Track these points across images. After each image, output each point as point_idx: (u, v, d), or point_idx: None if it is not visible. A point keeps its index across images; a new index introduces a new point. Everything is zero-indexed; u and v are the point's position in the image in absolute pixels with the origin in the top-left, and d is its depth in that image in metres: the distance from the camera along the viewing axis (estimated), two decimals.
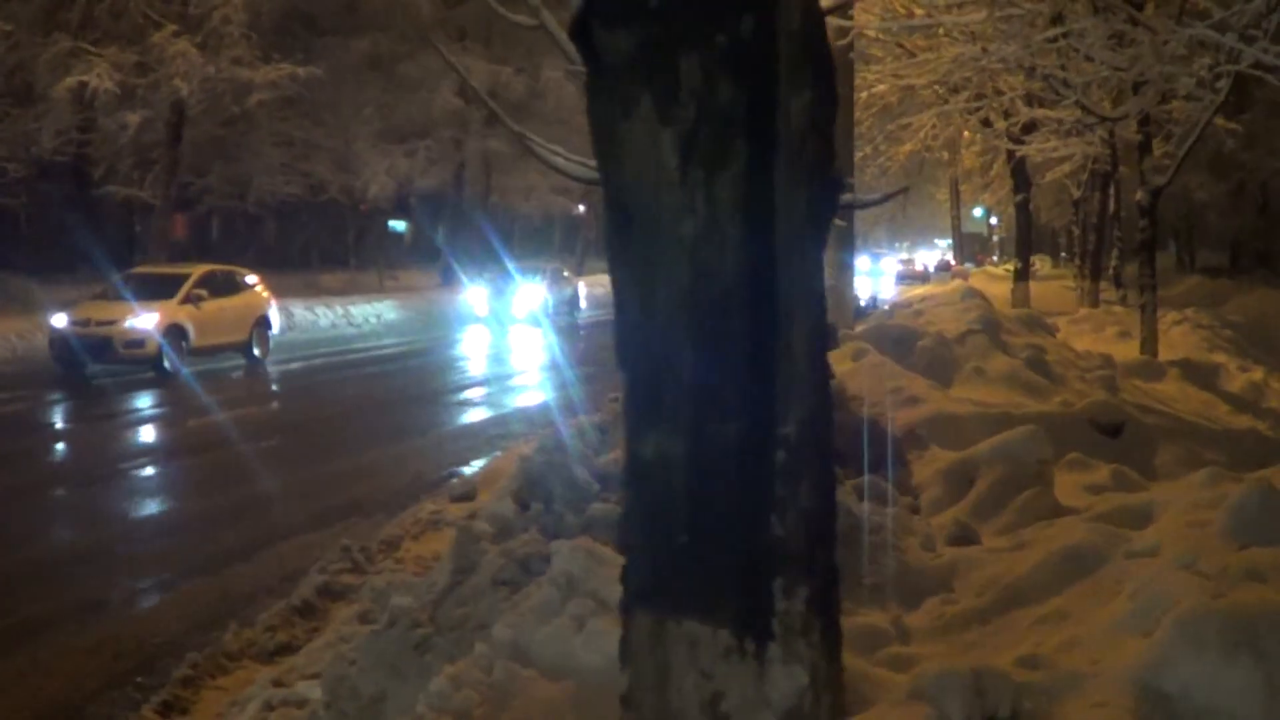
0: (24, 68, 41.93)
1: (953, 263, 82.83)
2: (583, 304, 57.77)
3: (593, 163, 8.91)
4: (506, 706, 5.37)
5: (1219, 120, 24.41)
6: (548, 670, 5.54)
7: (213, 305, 31.76)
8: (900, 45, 29.40)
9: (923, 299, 49.43)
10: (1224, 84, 17.53)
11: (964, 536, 8.94)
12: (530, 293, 51.35)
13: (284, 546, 13.13)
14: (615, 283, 3.66)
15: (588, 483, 8.04)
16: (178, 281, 31.72)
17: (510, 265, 52.06)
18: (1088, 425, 13.70)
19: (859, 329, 21.90)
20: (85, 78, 39.92)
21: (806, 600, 3.58)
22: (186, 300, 30.95)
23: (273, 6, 44.99)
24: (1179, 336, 25.80)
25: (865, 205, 23.87)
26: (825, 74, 3.56)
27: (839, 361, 14.33)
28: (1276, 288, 47.51)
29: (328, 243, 65.44)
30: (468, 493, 14.56)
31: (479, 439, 20.40)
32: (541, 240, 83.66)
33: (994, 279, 65.00)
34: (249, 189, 53.06)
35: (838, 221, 20.82)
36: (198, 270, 33.37)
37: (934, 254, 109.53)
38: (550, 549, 6.83)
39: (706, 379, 3.48)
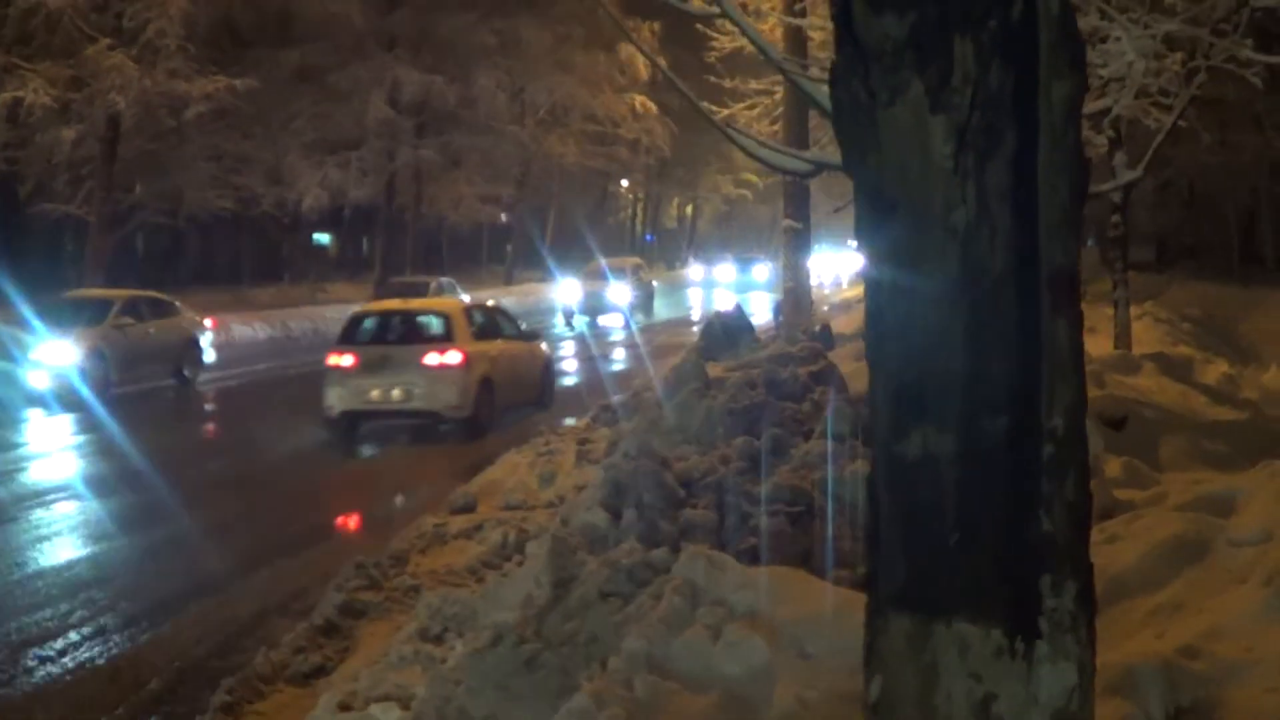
0: None
1: None
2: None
3: (798, 152, 8.81)
4: None
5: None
6: (689, 682, 5.41)
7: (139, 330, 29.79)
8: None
9: (859, 300, 49.58)
10: (1200, 78, 17.58)
11: None
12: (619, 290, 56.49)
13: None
14: (871, 276, 3.56)
15: (675, 487, 7.91)
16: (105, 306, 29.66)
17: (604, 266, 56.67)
18: (1093, 419, 13.71)
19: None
20: (20, 93, 39.40)
21: (1075, 596, 3.49)
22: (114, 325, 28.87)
23: (204, 19, 44.56)
24: (1142, 331, 25.89)
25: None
26: (1081, 61, 3.47)
27: (843, 362, 14.27)
28: (1205, 281, 47.96)
29: (255, 258, 64.91)
30: (468, 505, 14.39)
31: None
32: (469, 249, 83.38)
33: None
34: (180, 204, 52.48)
35: (794, 224, 20.76)
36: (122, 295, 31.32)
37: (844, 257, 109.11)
38: (653, 558, 6.70)
39: (978, 372, 3.38)
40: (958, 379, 3.37)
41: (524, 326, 27.25)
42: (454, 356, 21.65)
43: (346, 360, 21.76)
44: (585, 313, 51.99)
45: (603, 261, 57.02)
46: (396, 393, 21.46)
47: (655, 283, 67.23)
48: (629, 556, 6.68)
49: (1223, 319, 34.06)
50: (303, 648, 9.92)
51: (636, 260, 62.70)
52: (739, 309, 25.47)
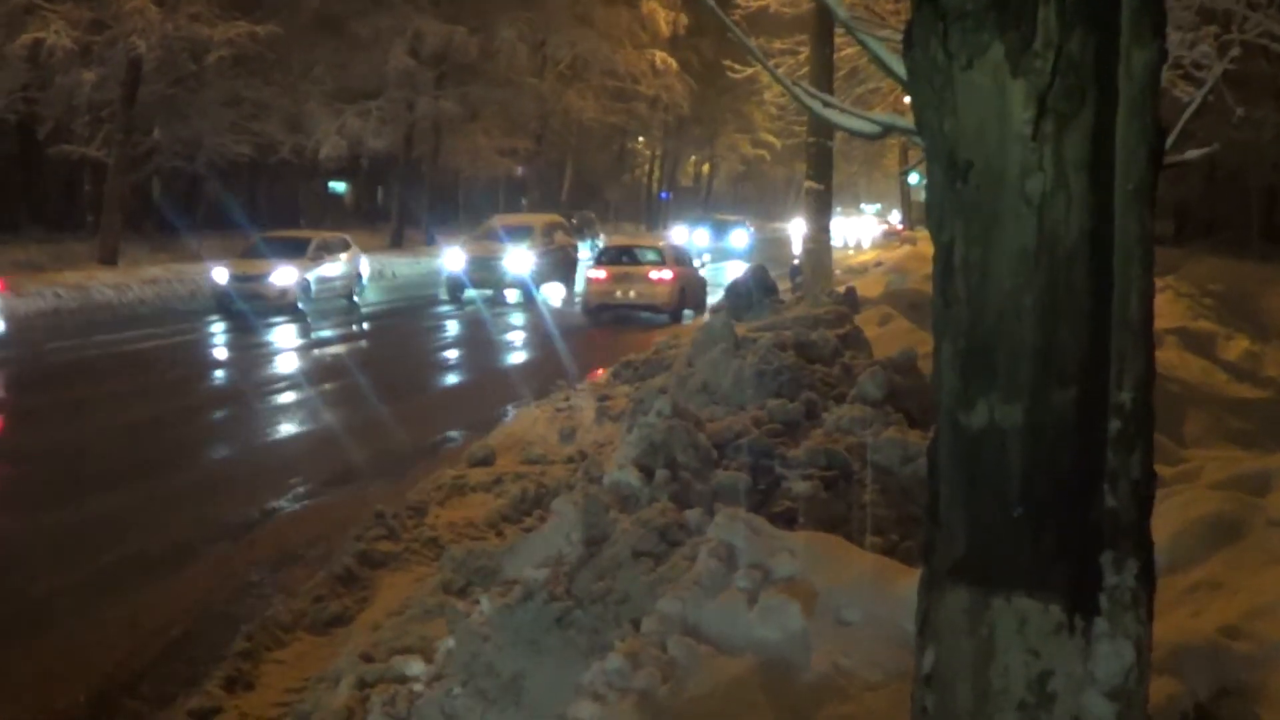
0: None
1: (901, 229, 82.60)
2: None
3: (866, 113, 8.74)
4: (688, 684, 5.19)
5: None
6: (724, 646, 5.36)
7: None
8: (868, 9, 29.29)
9: (875, 264, 49.49)
10: (1233, 52, 17.48)
11: None
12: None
13: None
14: (942, 240, 3.49)
15: (708, 448, 7.86)
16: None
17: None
18: None
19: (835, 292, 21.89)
20: (41, 34, 39.28)
21: (1136, 574, 3.44)
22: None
23: None
24: (1163, 304, 25.66)
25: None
26: (1162, 29, 3.40)
27: (866, 326, 14.21)
28: (1223, 256, 47.72)
29: (271, 205, 64.81)
30: (486, 458, 14.34)
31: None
32: (485, 202, 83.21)
33: None
34: (198, 149, 52.38)
35: (815, 186, 20.69)
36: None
37: (861, 220, 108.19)
38: (687, 518, 6.66)
39: (1048, 342, 3.33)
40: (1027, 349, 3.32)
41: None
42: (667, 274, 34.49)
43: (601, 274, 35.09)
44: (475, 285, 41.88)
45: (498, 222, 47.58)
46: (632, 294, 34.17)
47: (594, 244, 56.11)
48: (662, 516, 6.63)
49: (1243, 295, 33.87)
50: (321, 596, 9.88)
51: (552, 219, 50.37)
52: (762, 269, 25.51)
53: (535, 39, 64.12)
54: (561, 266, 45.56)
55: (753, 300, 22.53)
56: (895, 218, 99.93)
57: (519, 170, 76.82)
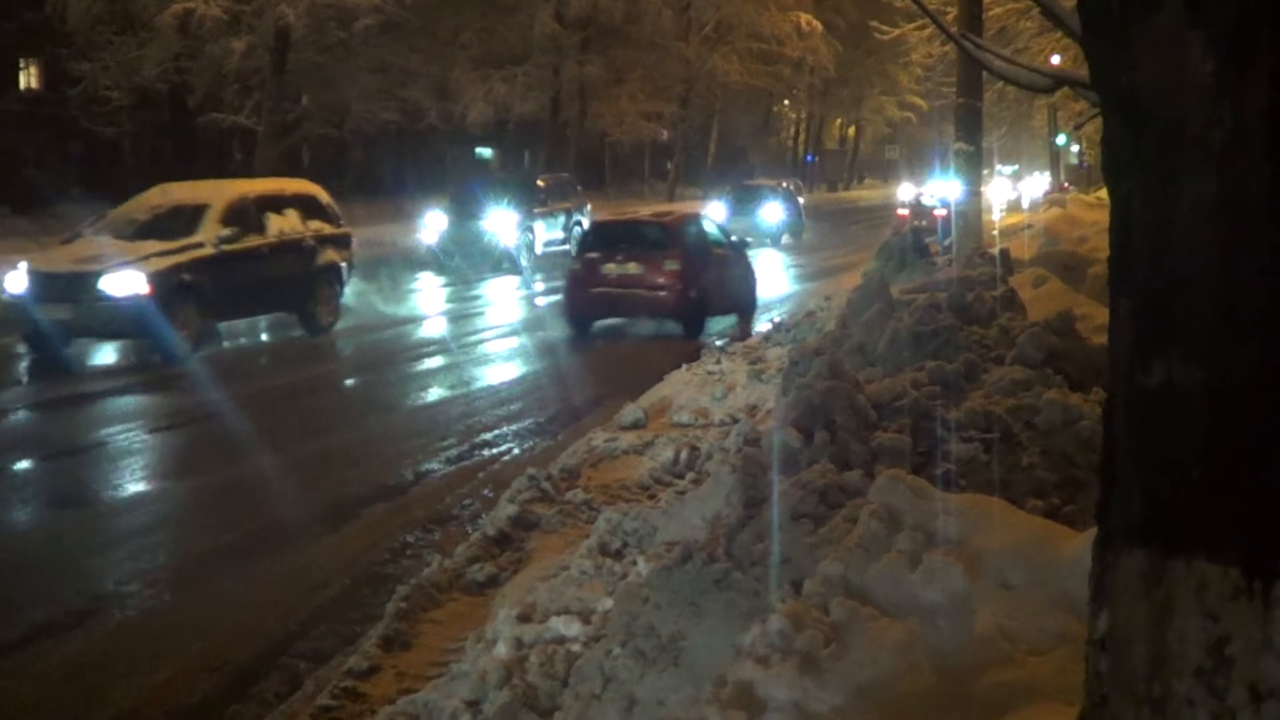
0: None
1: (1065, 186, 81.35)
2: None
3: (1039, 67, 8.66)
4: (851, 646, 5.15)
5: None
6: (887, 608, 5.32)
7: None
8: None
9: (1025, 227, 48.87)
10: None
11: None
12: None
13: None
14: (1119, 195, 3.43)
15: (867, 410, 7.80)
16: None
17: None
18: None
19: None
20: (190, 4, 39.93)
21: None
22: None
23: None
24: None
25: None
26: None
27: (1020, 288, 14.01)
28: None
29: (419, 171, 65.33)
30: (637, 421, 14.37)
31: None
32: (631, 166, 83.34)
33: (1090, 207, 64.17)
34: (346, 116, 52.99)
35: (965, 147, 20.45)
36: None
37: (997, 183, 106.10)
38: (846, 480, 6.62)
39: (1229, 299, 3.24)
40: (1207, 306, 3.24)
41: None
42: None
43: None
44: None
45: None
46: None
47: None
48: (822, 478, 6.58)
49: None
50: (476, 557, 9.94)
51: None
52: (914, 231, 25.31)
53: (680, 3, 64.06)
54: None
55: (905, 261, 22.38)
56: (1034, 181, 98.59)
57: (664, 134, 76.90)
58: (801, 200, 62.14)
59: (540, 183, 42.97)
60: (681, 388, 16.26)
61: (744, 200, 54.27)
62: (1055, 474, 7.61)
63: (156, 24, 41.59)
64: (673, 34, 63.88)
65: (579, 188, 45.17)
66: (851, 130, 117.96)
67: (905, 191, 75.53)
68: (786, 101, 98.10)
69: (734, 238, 28.80)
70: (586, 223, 41.56)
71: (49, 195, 43.79)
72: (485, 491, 12.42)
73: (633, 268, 24.60)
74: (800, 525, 6.32)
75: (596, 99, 63.87)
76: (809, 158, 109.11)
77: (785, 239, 53.53)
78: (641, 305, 24.85)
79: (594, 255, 25.26)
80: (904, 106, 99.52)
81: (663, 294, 24.39)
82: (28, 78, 53.85)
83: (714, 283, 24.97)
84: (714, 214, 43.13)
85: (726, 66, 69.47)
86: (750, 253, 29.69)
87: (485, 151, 78.25)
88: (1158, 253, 3.30)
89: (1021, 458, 7.73)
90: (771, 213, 53.71)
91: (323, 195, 27.33)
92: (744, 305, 26.31)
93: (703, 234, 26.59)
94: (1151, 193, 3.30)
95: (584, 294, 24.72)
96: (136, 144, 54.49)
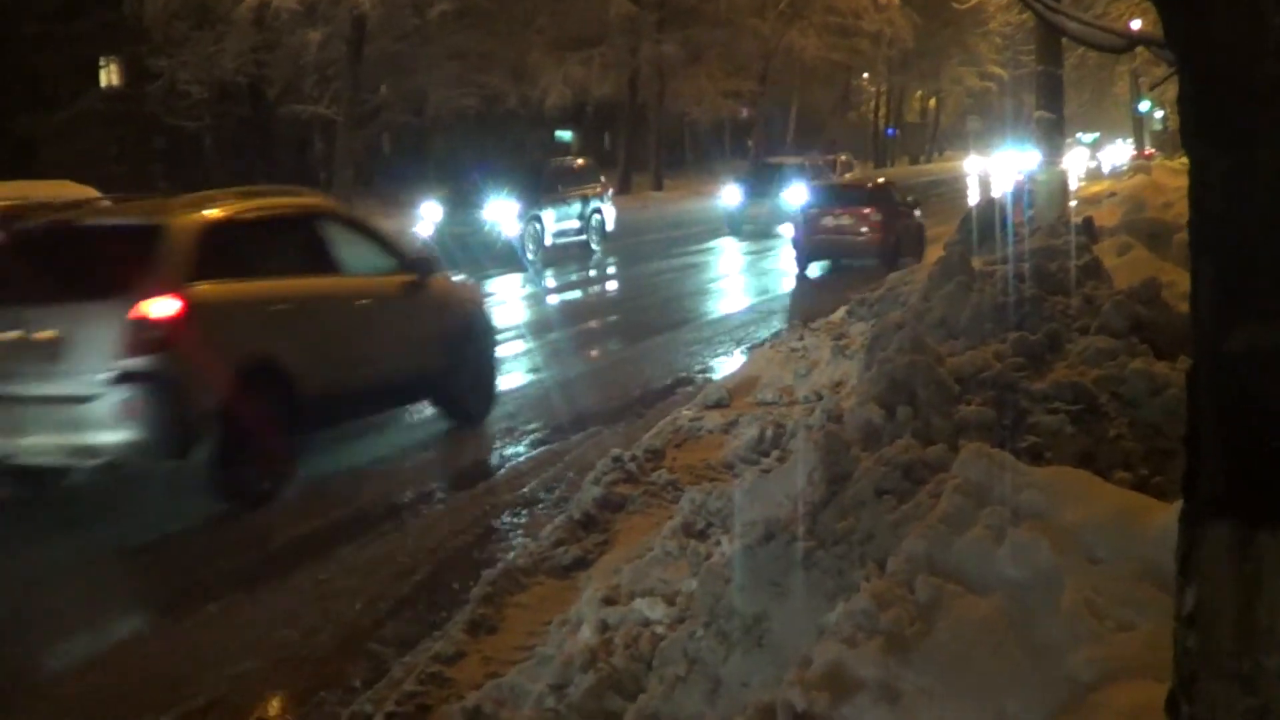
0: None
1: (1149, 154, 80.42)
2: None
3: (1111, 26, 8.56)
4: (936, 624, 5.09)
5: None
6: (971, 584, 5.25)
7: None
8: None
9: (1109, 195, 48.27)
10: None
11: None
12: None
13: None
14: (1196, 157, 3.35)
15: (950, 383, 7.72)
16: None
17: None
18: None
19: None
20: None
21: None
22: None
23: None
24: None
25: None
26: None
27: (1104, 256, 13.85)
28: None
29: (499, 156, 65.54)
30: (721, 400, 14.31)
31: None
32: (711, 145, 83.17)
33: (1175, 173, 63.44)
34: (425, 103, 53.18)
35: (1047, 115, 20.18)
36: None
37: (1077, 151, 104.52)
38: (930, 455, 6.54)
39: None
40: None
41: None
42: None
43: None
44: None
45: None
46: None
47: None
48: (905, 453, 6.50)
49: None
50: (562, 540, 9.93)
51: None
52: (994, 201, 25.09)
53: None
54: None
55: (987, 233, 22.19)
56: (1114, 149, 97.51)
57: (744, 112, 76.73)
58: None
59: (557, 166, 40.48)
60: (765, 365, 16.19)
61: (763, 181, 47.64)
62: (1142, 445, 7.50)
63: (233, 18, 41.95)
64: (748, 10, 63.67)
65: (601, 176, 42.20)
66: (932, 102, 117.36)
67: (972, 164, 74.85)
68: (866, 75, 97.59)
69: (910, 198, 35.86)
70: (608, 210, 40.60)
71: (130, 192, 44.36)
72: (570, 474, 12.39)
73: (846, 219, 32.01)
74: (883, 502, 6.26)
75: (674, 78, 63.79)
76: (889, 131, 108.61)
77: None
78: (852, 248, 32.12)
79: (815, 211, 32.48)
80: (984, 77, 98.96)
81: (868, 239, 31.84)
82: (108, 75, 54.46)
83: (902, 231, 32.75)
84: (728, 198, 47.02)
85: (803, 42, 69.25)
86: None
87: (565, 135, 78.38)
88: (1236, 214, 3.23)
89: (1108, 429, 7.62)
90: (796, 195, 41.88)
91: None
92: (919, 251, 32.31)
93: (892, 196, 34.03)
94: (1228, 153, 3.22)
95: (808, 240, 31.79)
96: (218, 137, 54.92)
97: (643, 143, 65.73)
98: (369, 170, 52.93)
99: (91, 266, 12.08)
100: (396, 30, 46.20)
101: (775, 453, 11.60)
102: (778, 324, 22.25)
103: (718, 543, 8.20)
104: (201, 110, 48.10)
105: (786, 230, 37.11)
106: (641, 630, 7.13)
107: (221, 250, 12.21)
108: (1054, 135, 26.18)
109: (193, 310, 11.54)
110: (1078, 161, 73.85)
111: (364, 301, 13.63)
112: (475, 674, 7.61)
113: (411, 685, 7.48)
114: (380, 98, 51.37)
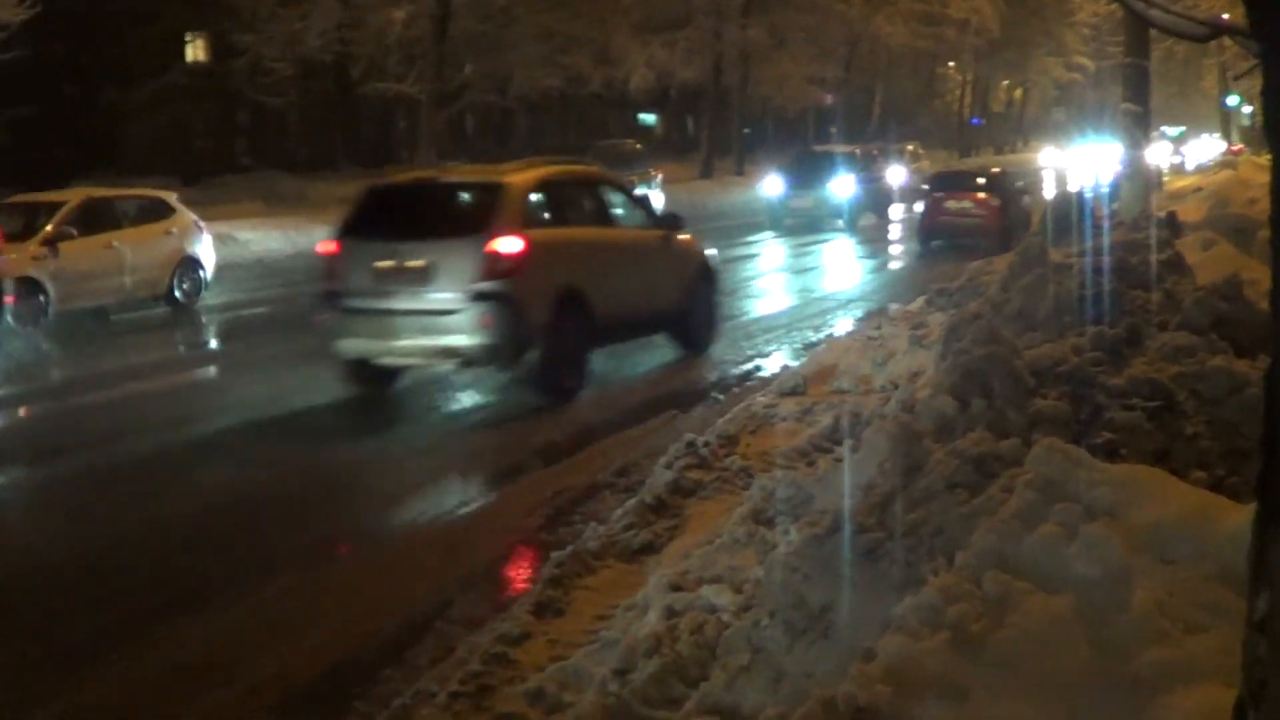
0: None
1: (1236, 150, 79.40)
2: None
3: (1191, 13, 8.47)
4: (1004, 621, 5.03)
5: None
6: (1040, 582, 5.18)
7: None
8: None
9: (1195, 190, 47.73)
10: None
11: None
12: None
13: None
14: (1279, 149, 3.28)
15: (1025, 376, 7.63)
16: None
17: None
18: None
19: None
20: None
21: None
22: None
23: None
24: None
25: None
26: None
27: (1187, 251, 13.69)
28: None
29: (582, 137, 65.53)
30: (797, 387, 14.24)
31: None
32: (793, 130, 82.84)
33: (1262, 169, 62.68)
34: (509, 84, 53.25)
35: (1133, 108, 19.96)
36: None
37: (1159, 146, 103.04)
38: (1002, 449, 6.46)
39: None
40: None
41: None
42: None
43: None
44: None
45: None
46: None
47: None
48: (977, 447, 6.43)
49: None
50: (632, 524, 9.89)
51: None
52: (1078, 194, 24.89)
53: None
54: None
55: (1069, 225, 21.99)
56: (1200, 144, 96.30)
57: (828, 98, 76.39)
58: (904, 173, 51.22)
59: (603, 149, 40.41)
60: (842, 353, 16.09)
61: (808, 170, 43.21)
62: (1220, 444, 7.38)
63: None
64: None
65: (650, 165, 41.49)
66: (1018, 93, 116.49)
67: (1047, 157, 74.18)
68: (951, 64, 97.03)
69: (1020, 183, 39.02)
70: (656, 196, 39.04)
71: (213, 167, 45.07)
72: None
73: (967, 203, 34.59)
74: (954, 495, 6.19)
75: (759, 63, 63.57)
76: (974, 120, 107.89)
77: (866, 220, 43.32)
78: (972, 230, 33.64)
79: (939, 195, 35.29)
80: (1070, 68, 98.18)
81: (986, 221, 34.00)
82: (194, 50, 54.81)
83: (1017, 213, 34.73)
84: (770, 188, 43.02)
85: (889, 28, 69.00)
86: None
87: (649, 118, 78.32)
88: None
89: (1185, 427, 7.51)
90: (842, 186, 41.93)
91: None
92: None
93: (1009, 181, 36.76)
94: None
95: (931, 221, 34.78)
96: (302, 114, 55.25)
97: (726, 128, 65.54)
98: (452, 150, 53.02)
99: (452, 213, 16.31)
100: (482, 10, 46.30)
101: (849, 441, 11.52)
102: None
103: (786, 531, 8.14)
104: (285, 87, 48.32)
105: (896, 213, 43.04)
106: (707, 617, 7.08)
107: (542, 204, 16.35)
108: (1140, 129, 25.95)
109: (531, 248, 15.11)
110: (1162, 156, 72.79)
111: (636, 249, 17.81)
112: (540, 656, 7.59)
113: (475, 665, 7.46)
114: (464, 77, 51.51)
